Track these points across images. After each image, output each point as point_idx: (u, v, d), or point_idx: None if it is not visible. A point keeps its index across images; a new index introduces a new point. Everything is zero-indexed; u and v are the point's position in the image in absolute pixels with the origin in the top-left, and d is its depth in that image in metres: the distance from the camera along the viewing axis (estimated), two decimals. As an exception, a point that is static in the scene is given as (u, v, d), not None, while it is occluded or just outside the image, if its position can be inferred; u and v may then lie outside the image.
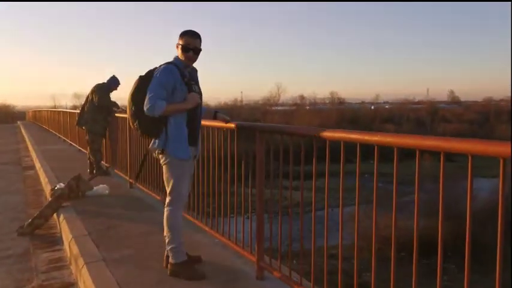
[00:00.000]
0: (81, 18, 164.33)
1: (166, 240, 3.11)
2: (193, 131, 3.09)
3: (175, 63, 3.01)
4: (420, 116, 55.06)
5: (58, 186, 5.67)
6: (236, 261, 3.37)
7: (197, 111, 3.11)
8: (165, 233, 3.11)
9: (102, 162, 7.65)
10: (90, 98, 7.38)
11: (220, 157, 3.58)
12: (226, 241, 3.49)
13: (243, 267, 3.25)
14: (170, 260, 3.10)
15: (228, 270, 3.21)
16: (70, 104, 61.31)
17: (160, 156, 3.07)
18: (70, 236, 4.10)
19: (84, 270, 3.28)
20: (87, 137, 7.49)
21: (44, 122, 21.59)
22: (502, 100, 69.33)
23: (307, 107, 61.53)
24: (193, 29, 3.08)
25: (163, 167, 3.09)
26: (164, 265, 3.23)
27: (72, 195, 5.39)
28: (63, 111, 14.31)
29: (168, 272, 3.10)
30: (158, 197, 5.06)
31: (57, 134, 15.38)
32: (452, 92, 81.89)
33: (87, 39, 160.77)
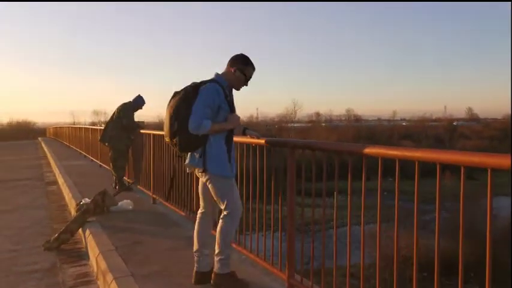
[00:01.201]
0: (101, 36, 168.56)
1: (216, 251, 3.10)
2: (230, 149, 3.11)
3: (220, 83, 3.04)
4: (438, 133, 54.46)
5: (83, 201, 5.73)
6: (264, 279, 3.33)
7: (234, 130, 3.16)
8: (216, 244, 3.10)
9: (124, 178, 7.73)
10: (115, 115, 7.52)
11: (248, 173, 3.58)
12: (254, 258, 3.47)
13: (273, 285, 3.22)
14: (215, 270, 3.10)
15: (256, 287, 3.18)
16: (89, 120, 62.52)
17: (201, 174, 3.10)
18: (97, 251, 4.12)
19: (114, 286, 3.29)
20: (110, 154, 7.60)
21: (64, 138, 21.97)
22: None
23: (323, 124, 61.40)
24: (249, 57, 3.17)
25: (209, 185, 3.10)
26: (193, 281, 3.22)
27: (97, 210, 5.43)
28: (84, 128, 14.54)
29: (212, 282, 3.11)
30: (183, 213, 5.07)
31: (78, 150, 15.62)
32: (470, 109, 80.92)
33: (107, 56, 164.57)
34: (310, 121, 64.40)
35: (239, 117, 3.10)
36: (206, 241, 3.25)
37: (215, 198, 3.13)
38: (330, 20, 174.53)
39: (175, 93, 3.08)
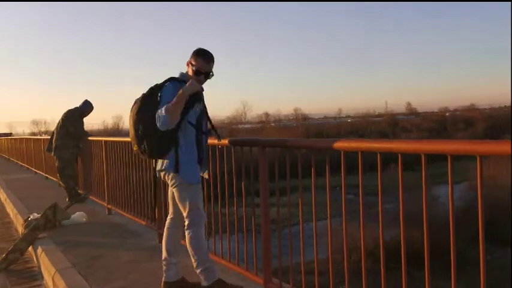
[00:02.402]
0: (35, 44, 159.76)
1: (195, 264, 2.92)
2: (201, 153, 2.94)
3: (182, 80, 2.86)
4: (382, 128, 56.50)
5: (32, 216, 5.32)
6: (239, 284, 3.20)
7: (205, 132, 2.99)
8: (192, 257, 2.93)
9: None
10: (60, 123, 7.09)
11: (215, 175, 3.43)
12: (226, 263, 3.33)
13: (248, 290, 3.10)
14: (203, 283, 2.91)
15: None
16: (27, 131, 59.27)
17: (168, 177, 2.91)
18: (53, 270, 3.80)
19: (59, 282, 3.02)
20: (57, 164, 7.16)
21: (3, 150, 20.60)
22: (455, 109, 72.54)
23: (272, 124, 62.00)
24: (207, 50, 2.92)
25: (174, 189, 2.92)
26: None
27: (48, 225, 5.06)
28: (25, 138, 13.68)
29: None
30: (143, 222, 4.83)
31: (19, 162, 14.67)
32: (409, 103, 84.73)
33: (43, 65, 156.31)
34: (260, 122, 64.83)
35: (197, 81, 2.79)
36: (175, 249, 3.08)
37: (179, 205, 2.96)
38: (273, 19, 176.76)
39: (136, 101, 2.91)
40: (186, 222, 2.94)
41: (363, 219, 2.25)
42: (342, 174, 2.28)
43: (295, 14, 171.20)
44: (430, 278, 1.90)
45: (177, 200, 2.95)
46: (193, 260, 2.93)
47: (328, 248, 2.38)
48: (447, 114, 67.45)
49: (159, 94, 2.79)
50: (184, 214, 2.94)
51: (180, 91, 2.68)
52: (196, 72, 2.85)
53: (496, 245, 13.33)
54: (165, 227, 3.12)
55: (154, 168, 3.01)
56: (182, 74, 2.93)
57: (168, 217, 3.14)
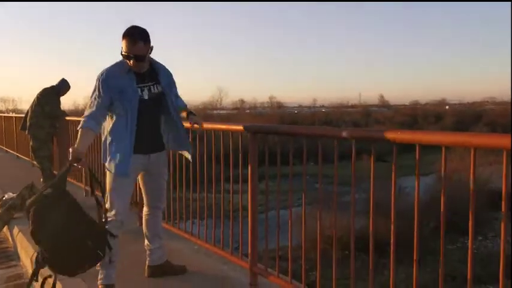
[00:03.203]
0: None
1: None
2: (142, 137, 2.76)
3: (114, 67, 2.74)
4: (355, 119, 57.29)
5: (6, 196, 5.19)
6: (223, 268, 3.24)
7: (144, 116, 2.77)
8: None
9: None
10: (35, 102, 6.88)
11: (202, 159, 3.44)
12: (210, 247, 3.35)
13: (232, 274, 3.14)
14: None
15: (217, 278, 3.08)
16: (-6, 108, 57.21)
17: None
18: (32, 250, 3.73)
19: (58, 287, 2.99)
20: (31, 144, 6.96)
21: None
22: (426, 104, 74.27)
23: (247, 111, 61.92)
24: (136, 27, 2.67)
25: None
26: (146, 274, 3.10)
27: (24, 205, 4.94)
28: (-6, 116, 13.22)
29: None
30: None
31: (-13, 140, 14.19)
32: (382, 96, 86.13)
33: (15, 40, 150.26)
34: (235, 108, 64.68)
35: (76, 151, 2.55)
36: (155, 234, 3.14)
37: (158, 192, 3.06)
38: (253, 6, 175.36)
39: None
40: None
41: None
42: (352, 166, 2.34)
43: (271, 4, 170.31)
44: (395, 265, 2.03)
45: (154, 187, 3.00)
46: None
47: (317, 234, 2.44)
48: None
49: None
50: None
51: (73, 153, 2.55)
52: (125, 57, 2.66)
53: (460, 236, 13.86)
54: (143, 214, 3.14)
55: None
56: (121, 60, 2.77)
57: (145, 204, 3.14)
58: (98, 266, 2.80)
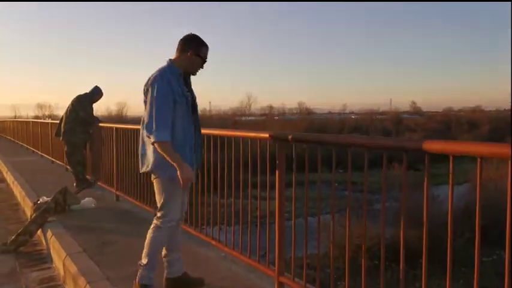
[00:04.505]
0: (43, 26, 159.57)
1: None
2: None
3: (172, 71, 2.74)
4: (386, 126, 56.30)
5: (41, 200, 5.35)
6: (250, 276, 3.23)
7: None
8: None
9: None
10: (70, 108, 7.10)
11: (223, 165, 3.45)
12: (237, 255, 3.34)
13: (259, 282, 3.12)
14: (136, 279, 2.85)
15: (243, 286, 3.07)
16: (32, 114, 59.29)
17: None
18: (64, 254, 3.83)
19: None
20: (65, 149, 7.17)
21: (8, 133, 20.65)
22: (460, 110, 72.23)
23: (276, 117, 61.89)
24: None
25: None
26: (164, 287, 3.03)
27: (58, 209, 5.09)
28: (32, 121, 13.70)
29: None
30: (152, 210, 4.84)
31: (25, 145, 14.71)
32: (414, 102, 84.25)
33: (51, 48, 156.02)
34: (263, 114, 64.68)
35: (185, 171, 2.66)
36: (175, 245, 3.05)
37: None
38: (281, 14, 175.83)
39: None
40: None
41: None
42: (383, 174, 2.29)
43: (301, 8, 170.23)
44: (427, 276, 1.97)
45: (184, 200, 2.96)
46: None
47: (346, 244, 2.39)
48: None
49: (146, 91, 2.69)
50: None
51: (177, 164, 2.62)
52: (203, 63, 2.81)
53: (495, 248, 13.36)
54: None
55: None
56: (170, 64, 2.78)
57: None
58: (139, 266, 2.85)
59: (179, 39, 2.81)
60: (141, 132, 2.81)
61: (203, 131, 3.12)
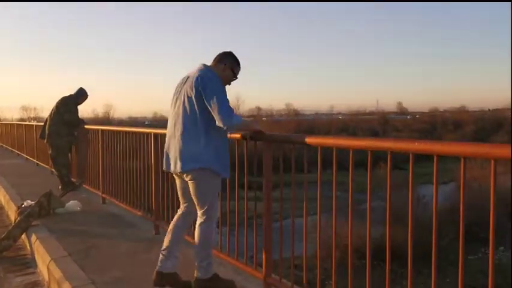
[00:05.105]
0: (25, 27, 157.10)
1: (199, 258, 2.91)
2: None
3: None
4: (372, 126, 56.71)
5: (25, 203, 5.26)
6: (237, 278, 3.21)
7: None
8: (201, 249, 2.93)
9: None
10: (55, 110, 7.01)
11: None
12: (224, 257, 3.32)
13: (246, 284, 3.10)
14: (200, 276, 2.88)
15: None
16: (16, 116, 58.43)
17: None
18: (48, 258, 3.77)
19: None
20: (50, 151, 7.08)
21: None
22: (446, 111, 73.21)
23: (264, 118, 62.00)
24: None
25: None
26: (154, 278, 2.96)
27: (43, 213, 5.01)
28: (16, 124, 13.49)
29: None
30: (139, 213, 4.80)
31: (9, 148, 14.48)
32: (400, 103, 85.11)
33: (33, 49, 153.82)
34: (251, 115, 64.79)
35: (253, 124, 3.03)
36: (179, 241, 3.03)
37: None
38: (266, 14, 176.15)
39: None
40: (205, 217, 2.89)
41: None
42: (350, 174, 2.30)
43: (290, 10, 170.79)
44: (413, 275, 1.99)
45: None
46: (197, 254, 2.90)
47: (332, 244, 2.39)
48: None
49: (204, 86, 2.73)
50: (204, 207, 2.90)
51: (249, 127, 2.98)
52: (234, 76, 2.99)
53: (481, 246, 13.54)
54: (176, 218, 3.08)
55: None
56: (209, 68, 2.90)
57: (181, 210, 3.09)
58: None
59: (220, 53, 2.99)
60: (179, 133, 2.81)
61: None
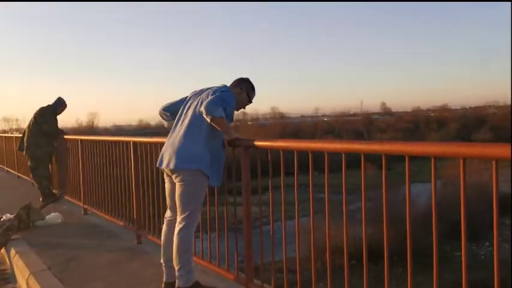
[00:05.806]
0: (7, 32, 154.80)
1: (178, 266, 2.86)
2: None
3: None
4: (357, 127, 57.26)
5: (4, 217, 5.16)
6: (220, 285, 3.18)
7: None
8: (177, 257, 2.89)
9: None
10: (33, 121, 6.90)
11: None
12: (207, 264, 3.30)
13: (229, 291, 3.08)
14: (180, 284, 2.83)
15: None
16: (-2, 128, 57.38)
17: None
18: (27, 272, 3.70)
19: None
20: (29, 163, 6.95)
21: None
22: (428, 110, 74.20)
23: (249, 122, 62.03)
24: None
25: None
26: None
27: (22, 226, 4.92)
28: (-4, 136, 13.26)
29: None
30: (121, 223, 4.74)
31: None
32: (383, 103, 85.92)
33: (14, 58, 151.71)
34: (237, 120, 64.72)
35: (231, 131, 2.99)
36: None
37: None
38: (254, 17, 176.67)
39: None
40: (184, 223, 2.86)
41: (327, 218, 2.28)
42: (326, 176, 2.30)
43: (273, 12, 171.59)
44: (410, 274, 2.00)
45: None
46: (176, 262, 2.87)
47: (312, 246, 2.39)
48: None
49: (221, 95, 2.80)
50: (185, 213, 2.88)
51: (229, 131, 2.90)
52: (249, 101, 3.15)
53: (468, 242, 13.73)
54: (166, 228, 3.06)
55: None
56: (227, 88, 3.02)
57: (169, 217, 3.07)
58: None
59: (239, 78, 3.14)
60: (182, 130, 2.87)
61: (150, 139, 3.69)
